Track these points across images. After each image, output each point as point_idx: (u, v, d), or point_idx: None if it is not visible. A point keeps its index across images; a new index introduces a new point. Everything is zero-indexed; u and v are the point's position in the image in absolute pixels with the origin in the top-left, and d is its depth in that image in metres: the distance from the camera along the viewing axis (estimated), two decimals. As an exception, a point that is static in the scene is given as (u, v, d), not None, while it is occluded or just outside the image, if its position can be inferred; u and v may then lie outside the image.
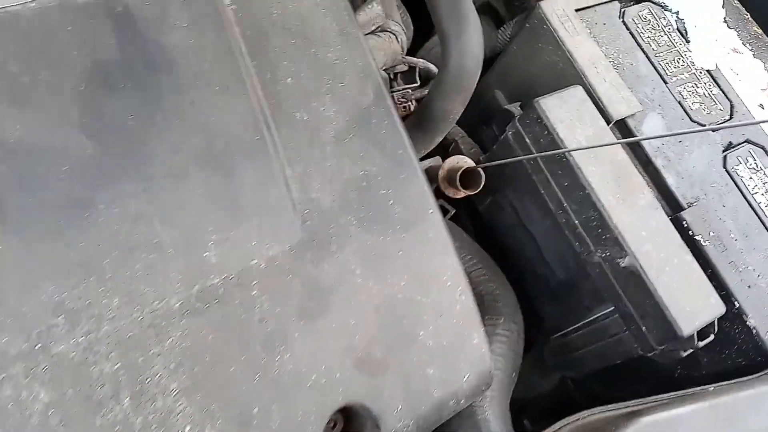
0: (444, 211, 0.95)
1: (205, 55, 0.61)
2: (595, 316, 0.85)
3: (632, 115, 0.87)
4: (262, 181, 0.61)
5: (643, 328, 0.77)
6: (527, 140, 0.83)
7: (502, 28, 1.22)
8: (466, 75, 0.73)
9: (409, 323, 0.64)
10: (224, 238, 0.58)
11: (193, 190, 0.58)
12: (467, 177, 0.85)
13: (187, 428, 0.54)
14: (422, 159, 0.92)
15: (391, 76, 1.02)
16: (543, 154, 0.79)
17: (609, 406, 0.71)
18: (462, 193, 0.85)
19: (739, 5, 1.04)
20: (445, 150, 1.03)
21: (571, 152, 0.77)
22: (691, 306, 0.74)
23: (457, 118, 0.79)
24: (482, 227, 1.01)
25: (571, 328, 0.91)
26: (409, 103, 0.97)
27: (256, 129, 0.61)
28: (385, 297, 0.63)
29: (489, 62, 1.15)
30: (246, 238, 0.59)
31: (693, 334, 0.74)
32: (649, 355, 0.79)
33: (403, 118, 0.99)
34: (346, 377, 0.60)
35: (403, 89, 0.97)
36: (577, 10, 0.92)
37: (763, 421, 0.69)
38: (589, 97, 0.85)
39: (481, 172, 0.83)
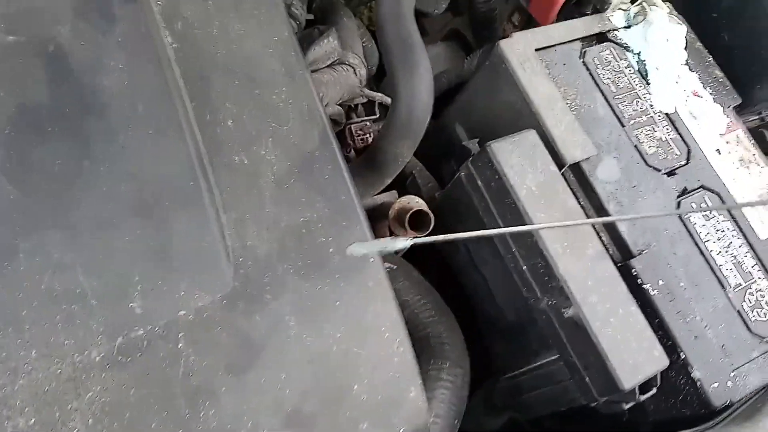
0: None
1: (140, 97, 0.59)
2: (542, 362, 0.85)
3: (587, 159, 0.86)
4: (194, 229, 0.59)
5: (587, 379, 0.76)
6: (479, 183, 0.82)
7: (469, 57, 1.22)
8: (415, 121, 0.73)
9: (344, 376, 0.62)
10: (151, 289, 0.57)
11: (121, 238, 0.56)
12: (417, 218, 0.84)
13: (104, 485, 0.53)
14: (378, 193, 0.92)
15: (352, 106, 1.01)
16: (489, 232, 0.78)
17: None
18: (411, 234, 0.84)
19: (702, 47, 1.04)
20: (402, 182, 1.02)
21: (520, 198, 0.77)
22: (634, 359, 0.74)
23: (407, 160, 0.79)
24: (437, 264, 1.00)
25: (520, 370, 0.90)
26: (368, 135, 0.96)
27: (191, 174, 0.60)
28: (320, 349, 0.62)
29: (455, 90, 1.15)
30: (174, 288, 0.57)
31: (635, 388, 0.74)
32: (593, 405, 0.79)
33: (362, 149, 0.99)
34: (274, 432, 0.59)
35: (362, 121, 0.96)
36: (537, 50, 0.91)
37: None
38: (545, 139, 0.85)
39: (431, 215, 0.82)
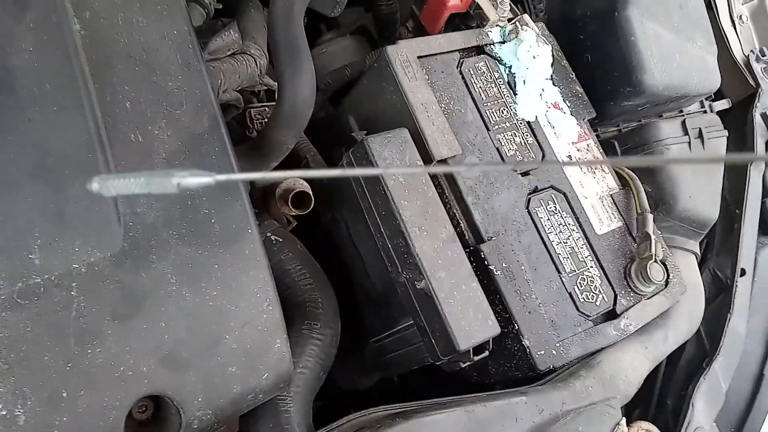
0: (288, 222, 1.06)
1: (47, 77, 0.68)
2: (401, 327, 0.99)
3: (453, 156, 1.00)
4: (90, 195, 0.68)
5: (433, 341, 0.90)
6: (357, 171, 0.95)
7: (370, 54, 1.34)
8: (298, 114, 0.84)
9: (217, 328, 0.73)
10: (48, 243, 0.66)
11: (23, 199, 0.65)
12: (300, 197, 0.96)
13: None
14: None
15: (255, 92, 1.11)
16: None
17: (391, 405, 0.84)
18: (293, 212, 0.96)
19: (567, 65, 1.20)
20: (298, 164, 1.13)
21: (388, 187, 0.89)
22: (470, 326, 0.88)
23: (291, 147, 0.90)
24: (323, 238, 1.12)
25: (384, 334, 1.04)
26: (266, 119, 1.06)
27: (89, 147, 0.69)
28: (197, 304, 0.73)
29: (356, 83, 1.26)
30: (70, 244, 0.67)
31: (469, 350, 0.88)
32: (438, 363, 0.93)
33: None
34: (151, 371, 0.69)
35: (262, 107, 1.06)
36: (419, 57, 1.04)
37: (504, 428, 0.84)
38: (418, 137, 0.98)
39: (311, 195, 0.94)
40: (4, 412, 0.61)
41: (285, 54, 0.81)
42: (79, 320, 0.66)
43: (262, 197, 1.05)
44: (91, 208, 0.68)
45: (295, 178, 0.97)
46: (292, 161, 1.10)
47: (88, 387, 0.66)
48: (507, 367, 1.00)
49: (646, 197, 1.13)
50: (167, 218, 0.73)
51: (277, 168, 0.96)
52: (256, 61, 1.00)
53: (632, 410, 1.26)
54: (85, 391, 0.66)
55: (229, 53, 0.97)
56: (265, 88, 1.07)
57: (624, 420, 0.97)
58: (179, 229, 0.73)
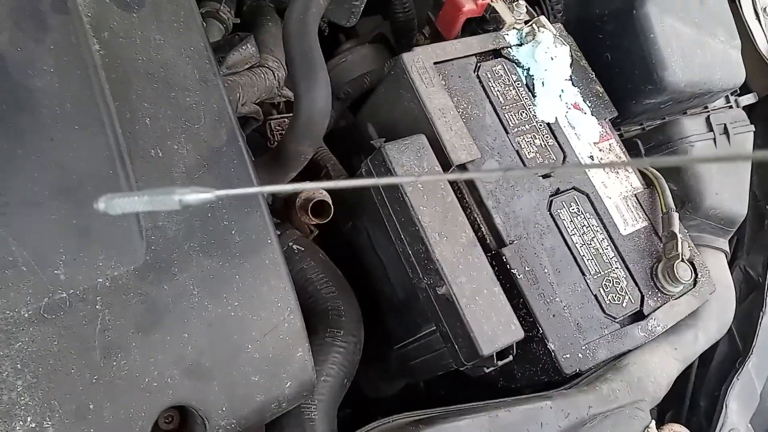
0: (310, 231, 1.07)
1: (68, 96, 0.70)
2: (424, 333, 0.98)
3: (472, 161, 1.00)
4: (112, 210, 0.70)
5: (456, 347, 0.90)
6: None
7: (389, 62, 1.35)
8: (314, 125, 0.85)
9: (239, 338, 0.74)
10: (73, 259, 0.67)
11: (48, 216, 0.67)
12: (319, 207, 0.97)
13: (29, 419, 0.63)
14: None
15: (274, 103, 1.12)
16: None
17: (415, 412, 0.84)
18: (314, 221, 0.97)
19: (587, 65, 1.19)
20: (318, 173, 1.14)
21: (407, 194, 0.89)
22: (493, 331, 0.88)
23: (309, 157, 0.91)
24: (345, 247, 1.13)
25: (408, 341, 1.04)
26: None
27: (110, 163, 0.71)
28: (219, 315, 0.73)
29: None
30: (93, 259, 0.68)
31: (493, 355, 0.88)
32: (462, 369, 0.93)
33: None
34: (175, 382, 0.70)
35: (281, 118, 1.07)
36: (435, 63, 1.04)
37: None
38: (436, 143, 0.97)
39: (330, 204, 0.95)
40: (33, 425, 0.63)
41: (300, 66, 0.82)
42: (104, 333, 0.68)
43: (284, 207, 1.06)
44: (113, 223, 0.70)
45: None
46: (312, 171, 1.11)
47: (114, 399, 0.67)
48: (533, 371, 0.99)
49: (671, 196, 1.11)
50: (188, 231, 0.74)
51: (297, 178, 0.97)
52: (274, 74, 1.01)
53: (665, 412, 1.24)
54: (111, 402, 0.67)
55: (246, 67, 0.99)
56: (285, 99, 1.08)
57: (654, 423, 0.95)
58: (200, 241, 0.74)
